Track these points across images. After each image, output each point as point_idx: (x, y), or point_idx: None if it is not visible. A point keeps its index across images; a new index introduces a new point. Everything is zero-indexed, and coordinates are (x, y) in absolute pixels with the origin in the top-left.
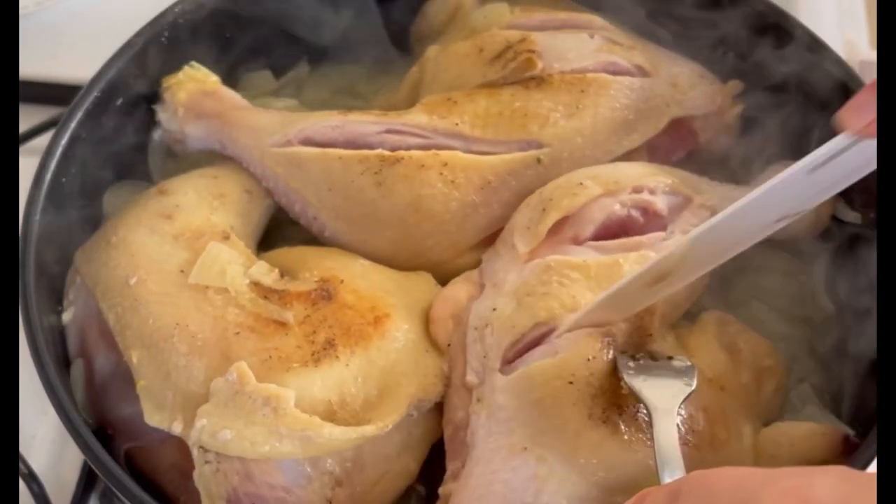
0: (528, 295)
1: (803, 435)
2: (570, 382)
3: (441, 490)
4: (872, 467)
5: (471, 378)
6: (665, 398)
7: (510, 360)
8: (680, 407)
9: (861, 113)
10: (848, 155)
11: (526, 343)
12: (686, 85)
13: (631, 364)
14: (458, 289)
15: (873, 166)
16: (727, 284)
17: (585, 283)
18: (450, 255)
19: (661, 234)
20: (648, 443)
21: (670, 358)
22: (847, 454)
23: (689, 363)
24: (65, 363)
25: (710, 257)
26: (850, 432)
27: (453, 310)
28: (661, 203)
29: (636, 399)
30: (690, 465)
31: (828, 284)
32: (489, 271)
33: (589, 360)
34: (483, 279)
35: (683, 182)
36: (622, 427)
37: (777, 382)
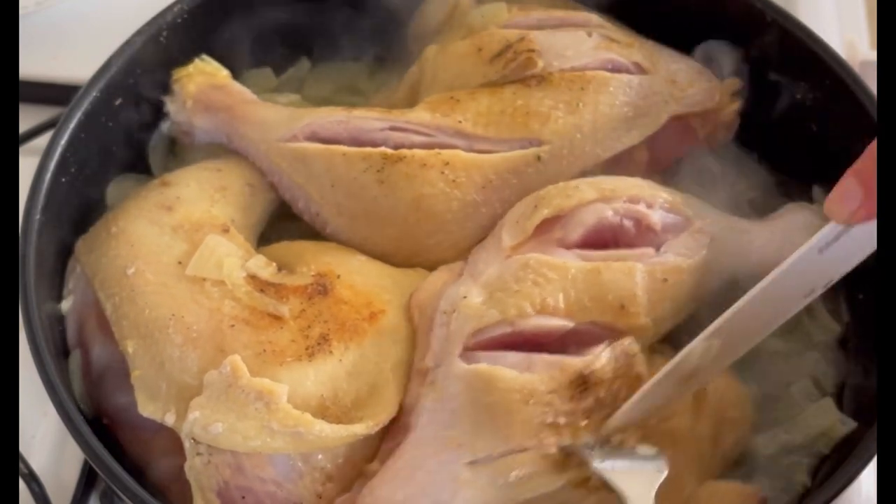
0: (501, 290)
1: (722, 491)
2: (527, 403)
3: (367, 466)
4: (873, 466)
5: (428, 361)
6: (639, 487)
7: (471, 348)
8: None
9: (845, 202)
10: (847, 238)
11: (491, 337)
12: (685, 82)
13: (595, 451)
14: (436, 278)
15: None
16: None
17: (561, 285)
18: (451, 254)
19: (650, 250)
20: (575, 486)
21: (632, 447)
22: None
23: (654, 451)
24: (64, 355)
25: (733, 347)
26: (766, 495)
27: (425, 298)
28: (655, 217)
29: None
30: None
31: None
32: (472, 261)
33: (552, 391)
34: (465, 269)
35: (686, 203)
36: (560, 466)
37: (737, 436)
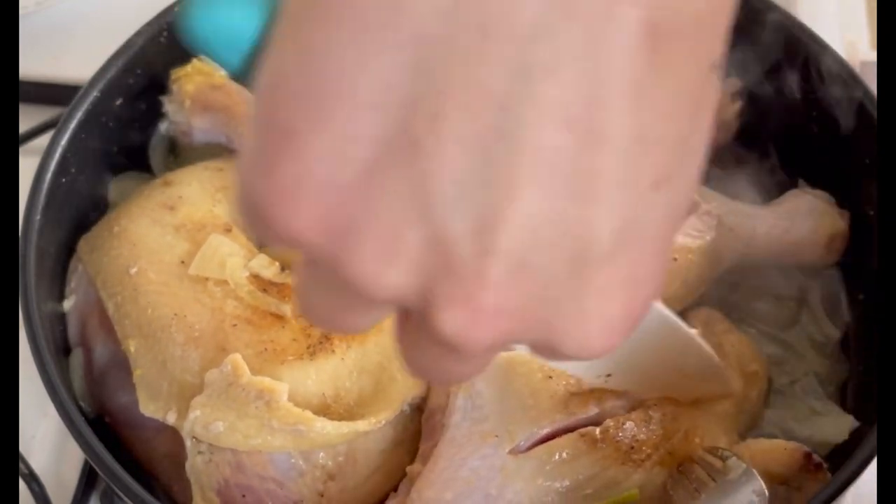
0: None
1: (765, 449)
2: (550, 377)
3: (408, 468)
4: (873, 465)
5: None
6: None
7: None
8: None
9: None
10: None
11: None
12: None
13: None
14: None
15: None
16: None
17: None
18: None
19: None
20: (620, 463)
21: (720, 457)
22: (807, 471)
23: (743, 466)
24: (65, 355)
25: None
26: (815, 453)
27: None
28: None
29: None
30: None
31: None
32: None
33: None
34: None
35: None
36: (598, 442)
37: (760, 388)
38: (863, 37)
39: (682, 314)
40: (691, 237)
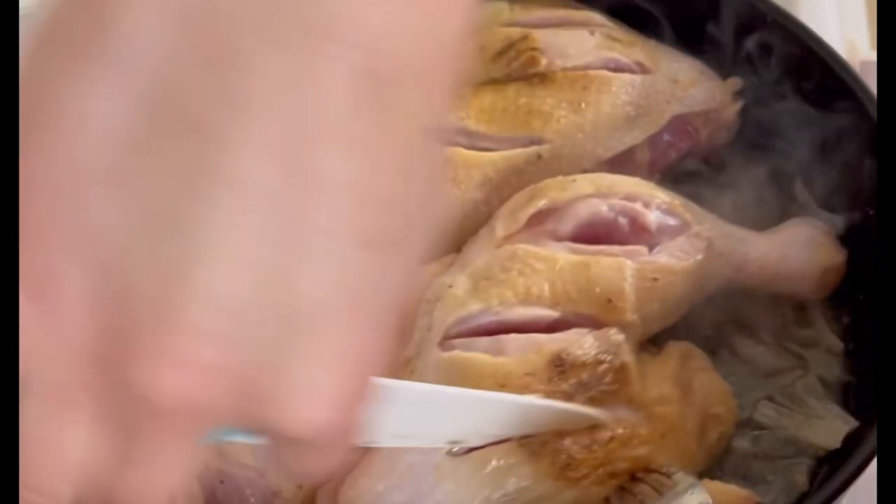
0: (486, 279)
1: (718, 491)
2: (502, 386)
3: (352, 454)
4: (873, 465)
5: (410, 351)
6: None
7: (451, 337)
8: None
9: None
10: None
11: (472, 326)
12: (686, 81)
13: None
14: (426, 269)
15: None
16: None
17: (547, 276)
18: (449, 253)
19: (643, 248)
20: (555, 478)
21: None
22: None
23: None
24: None
25: None
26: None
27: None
28: (651, 217)
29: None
30: None
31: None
32: (464, 252)
33: (526, 374)
34: (457, 260)
35: (686, 207)
36: (536, 453)
37: (721, 431)
38: (863, 37)
39: (662, 341)
40: (677, 258)
